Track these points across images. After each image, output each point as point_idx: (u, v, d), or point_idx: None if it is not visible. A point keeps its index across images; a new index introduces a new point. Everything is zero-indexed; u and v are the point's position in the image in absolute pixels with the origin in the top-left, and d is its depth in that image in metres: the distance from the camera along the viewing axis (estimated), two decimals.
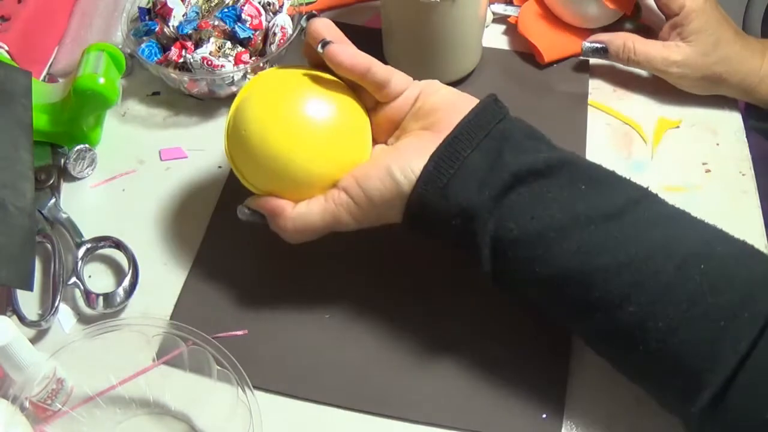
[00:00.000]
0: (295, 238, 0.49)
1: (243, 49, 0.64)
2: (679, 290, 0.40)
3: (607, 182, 0.44)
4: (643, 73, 0.68)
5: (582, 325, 0.44)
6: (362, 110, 0.50)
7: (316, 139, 0.47)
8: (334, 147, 0.48)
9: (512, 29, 0.72)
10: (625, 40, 0.63)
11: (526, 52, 0.70)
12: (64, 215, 0.57)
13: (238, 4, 0.65)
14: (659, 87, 0.66)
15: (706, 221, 0.44)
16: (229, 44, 0.63)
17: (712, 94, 0.64)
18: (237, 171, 0.50)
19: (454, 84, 0.65)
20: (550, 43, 0.68)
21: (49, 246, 0.55)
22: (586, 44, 0.65)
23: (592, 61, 0.69)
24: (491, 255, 0.44)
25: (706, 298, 0.39)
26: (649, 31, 0.65)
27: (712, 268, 0.40)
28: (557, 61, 0.69)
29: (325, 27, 0.49)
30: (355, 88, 0.50)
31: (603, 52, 0.65)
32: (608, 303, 0.41)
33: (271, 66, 0.65)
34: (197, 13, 0.65)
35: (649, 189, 0.45)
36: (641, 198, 0.44)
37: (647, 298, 0.40)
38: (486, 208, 0.43)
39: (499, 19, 0.73)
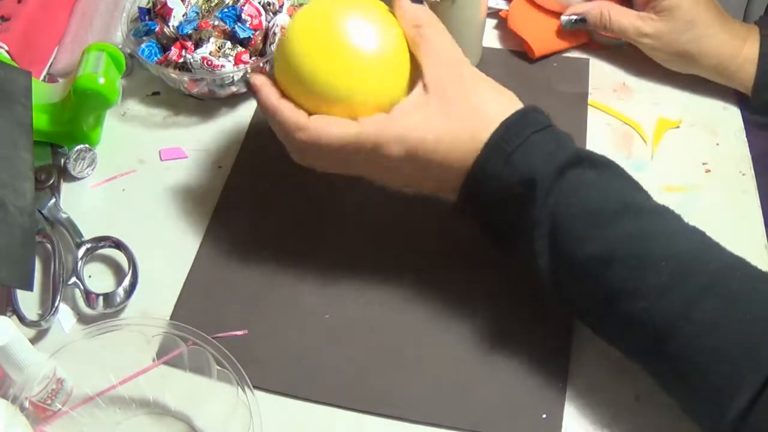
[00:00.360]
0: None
1: (243, 49, 0.64)
2: (722, 287, 0.41)
3: (647, 192, 0.47)
4: (643, 72, 0.68)
5: (622, 313, 0.43)
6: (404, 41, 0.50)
7: (362, 65, 0.48)
8: (380, 74, 0.48)
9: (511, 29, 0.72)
10: (601, 9, 0.65)
11: (525, 52, 0.70)
12: (64, 215, 0.57)
13: (238, 4, 0.65)
14: (659, 87, 0.66)
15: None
16: (229, 44, 0.63)
17: (687, 72, 0.65)
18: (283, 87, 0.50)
19: None
20: (540, 37, 0.68)
21: (49, 246, 0.55)
22: (565, 18, 0.67)
23: (593, 60, 0.69)
24: (548, 231, 0.45)
25: (750, 296, 0.40)
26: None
27: (746, 276, 0.42)
28: (548, 56, 0.69)
29: None
30: None
31: (582, 22, 0.67)
32: (655, 288, 0.42)
33: (272, 66, 0.65)
34: (197, 13, 0.65)
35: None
36: (677, 215, 0.45)
37: (694, 289, 0.41)
38: (547, 179, 0.45)
39: (492, 13, 0.73)
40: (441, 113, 0.47)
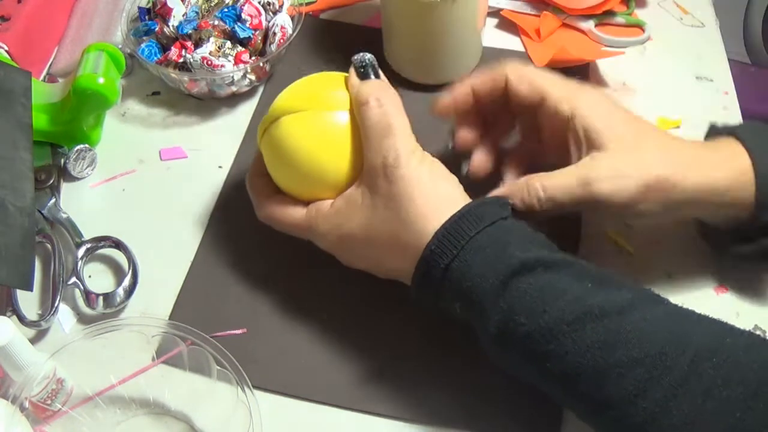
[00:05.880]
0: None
1: (243, 49, 0.64)
2: (693, 384, 0.39)
3: (613, 282, 0.43)
4: (643, 72, 0.68)
5: (594, 421, 0.43)
6: None
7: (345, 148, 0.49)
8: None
9: (512, 28, 0.72)
10: (527, 182, 0.48)
11: (525, 52, 0.70)
12: (64, 215, 0.57)
13: (238, 3, 0.65)
14: (659, 87, 0.66)
15: (710, 316, 0.42)
16: (228, 44, 0.63)
17: (675, 218, 0.53)
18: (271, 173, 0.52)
19: None
20: (544, 50, 0.69)
21: (49, 246, 0.55)
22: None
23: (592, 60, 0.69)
24: (498, 346, 0.43)
25: (720, 391, 0.39)
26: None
27: (723, 361, 0.39)
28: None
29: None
30: None
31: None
32: (621, 399, 0.40)
33: (271, 66, 0.66)
34: (197, 12, 0.65)
35: (652, 290, 0.44)
36: (646, 298, 0.43)
37: (662, 393, 0.39)
38: (489, 294, 0.42)
39: (492, 13, 0.73)
40: (369, 209, 0.47)
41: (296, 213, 0.50)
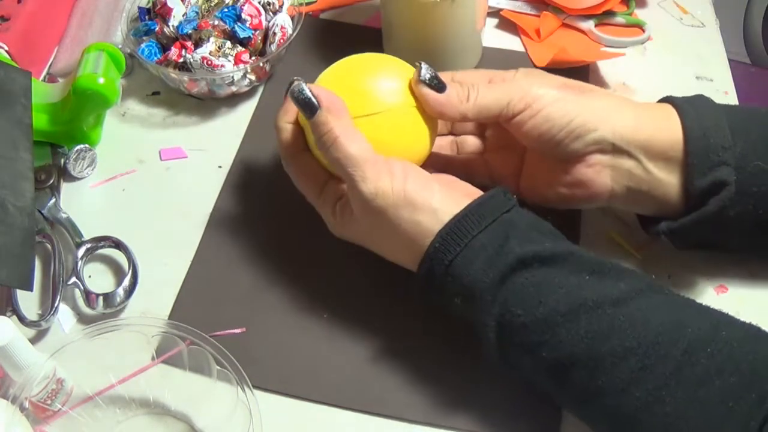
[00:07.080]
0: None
1: (243, 49, 0.64)
2: (686, 373, 0.39)
3: (611, 273, 0.44)
4: (643, 72, 0.68)
5: (589, 410, 0.43)
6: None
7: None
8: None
9: (512, 28, 0.72)
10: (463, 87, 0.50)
11: (525, 52, 0.70)
12: (64, 215, 0.57)
13: (238, 3, 0.65)
14: (659, 86, 0.66)
15: (710, 307, 0.43)
16: (228, 44, 0.63)
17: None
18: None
19: None
20: (544, 50, 0.69)
21: (49, 246, 0.55)
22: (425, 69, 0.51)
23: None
24: (497, 338, 0.44)
25: (713, 380, 0.39)
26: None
27: (718, 351, 0.40)
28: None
29: None
30: None
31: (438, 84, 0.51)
32: (615, 387, 0.40)
33: (271, 66, 0.66)
34: (197, 12, 0.65)
35: (653, 278, 0.44)
36: (645, 287, 0.43)
37: (655, 383, 0.39)
38: (489, 289, 0.43)
39: (492, 13, 0.73)
40: (367, 232, 0.49)
41: (314, 194, 0.51)
